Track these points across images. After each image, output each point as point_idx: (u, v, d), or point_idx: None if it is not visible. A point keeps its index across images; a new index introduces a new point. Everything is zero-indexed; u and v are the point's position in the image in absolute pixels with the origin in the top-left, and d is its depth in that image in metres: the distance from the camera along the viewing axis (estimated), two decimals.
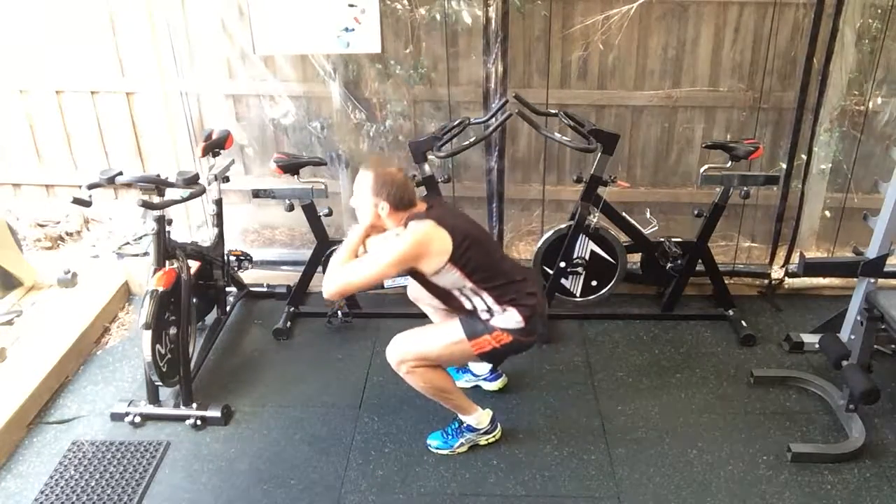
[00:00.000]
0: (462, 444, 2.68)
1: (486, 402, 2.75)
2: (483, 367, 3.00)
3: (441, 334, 2.51)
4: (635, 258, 3.54)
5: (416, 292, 2.75)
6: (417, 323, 3.44)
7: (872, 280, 2.86)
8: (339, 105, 3.69)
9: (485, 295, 2.42)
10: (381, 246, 2.42)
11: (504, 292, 2.42)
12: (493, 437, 2.72)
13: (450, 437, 2.68)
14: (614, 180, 3.31)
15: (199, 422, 2.82)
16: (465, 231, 2.38)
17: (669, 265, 3.41)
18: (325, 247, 3.44)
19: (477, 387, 3.01)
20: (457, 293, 2.45)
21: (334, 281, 2.39)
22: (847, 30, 3.34)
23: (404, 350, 2.49)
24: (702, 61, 3.65)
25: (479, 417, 2.66)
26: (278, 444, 2.75)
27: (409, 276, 2.56)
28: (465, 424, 2.67)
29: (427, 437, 2.73)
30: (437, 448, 2.69)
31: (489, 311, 2.44)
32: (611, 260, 3.45)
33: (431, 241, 2.33)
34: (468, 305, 2.46)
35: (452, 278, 2.39)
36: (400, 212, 2.40)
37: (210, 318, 3.44)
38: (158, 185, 2.77)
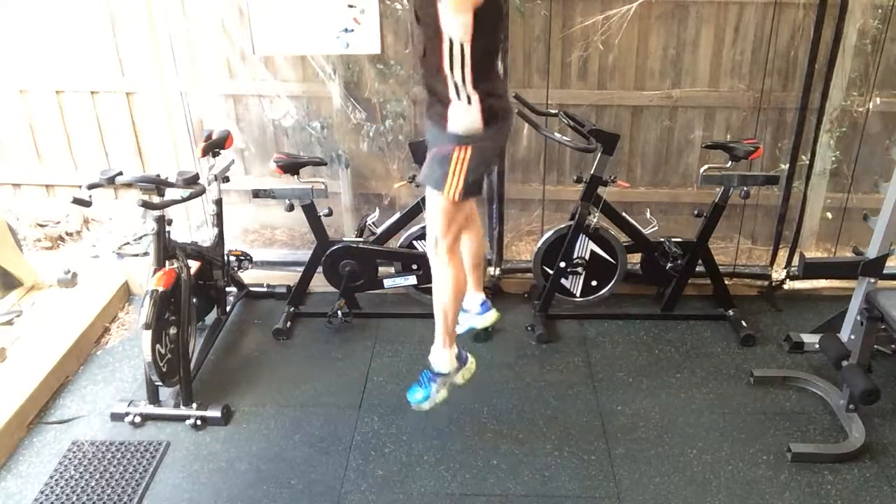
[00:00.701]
0: (437, 389, 2.65)
1: (480, 395, 2.75)
2: (473, 301, 2.93)
3: (430, 206, 2.46)
4: (635, 258, 3.54)
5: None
6: (417, 323, 3.47)
7: (872, 280, 2.86)
8: (338, 105, 3.69)
9: (468, 64, 2.21)
10: None
11: (483, 74, 2.25)
12: (469, 371, 2.70)
13: (424, 386, 2.66)
14: (614, 180, 3.31)
15: (199, 422, 2.82)
16: (499, 6, 2.23)
17: (669, 265, 3.41)
18: (325, 247, 3.44)
19: (470, 330, 2.96)
20: (446, 46, 2.19)
21: None
22: (849, 30, 3.34)
23: (430, 235, 2.47)
24: (702, 61, 3.65)
25: (451, 357, 2.62)
26: (278, 444, 2.75)
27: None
28: (434, 370, 2.64)
29: (407, 398, 2.70)
30: (419, 402, 2.65)
31: (456, 88, 2.24)
32: (611, 260, 3.46)
33: None
34: (446, 65, 2.22)
35: (462, 26, 2.15)
36: None
37: (210, 318, 3.44)
38: (158, 185, 2.77)
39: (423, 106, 2.41)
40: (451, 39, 2.18)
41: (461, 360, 2.69)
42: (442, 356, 2.63)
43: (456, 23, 2.14)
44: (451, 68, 2.23)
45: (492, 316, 2.95)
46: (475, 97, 2.25)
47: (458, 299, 2.56)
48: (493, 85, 2.30)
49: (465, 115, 2.27)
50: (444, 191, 2.34)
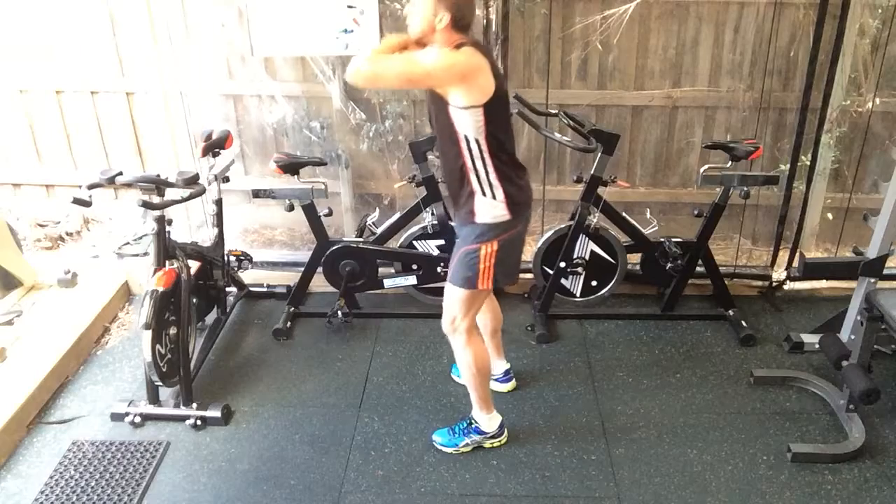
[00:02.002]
0: (467, 445, 2.68)
1: None
2: (498, 367, 2.99)
3: (449, 296, 2.49)
4: (635, 258, 3.54)
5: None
6: (417, 323, 3.47)
7: (872, 280, 2.86)
8: (338, 105, 3.69)
9: (487, 159, 2.29)
10: (429, 52, 2.22)
11: (503, 166, 2.32)
12: (499, 441, 2.72)
13: (456, 435, 2.68)
14: (614, 180, 3.31)
15: (199, 422, 2.82)
16: (503, 91, 2.27)
17: (669, 265, 3.41)
18: (325, 247, 3.44)
19: None
20: (463, 146, 2.27)
21: (366, 63, 2.16)
22: (850, 30, 3.33)
23: (447, 317, 2.51)
24: (702, 61, 3.65)
25: (491, 420, 2.67)
26: (278, 444, 2.75)
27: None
28: (473, 425, 2.67)
29: (432, 433, 2.73)
30: (442, 445, 2.69)
31: (480, 183, 2.31)
32: (611, 260, 3.46)
33: (482, 72, 2.16)
34: (468, 164, 2.30)
35: (472, 122, 2.22)
36: (455, 33, 2.20)
37: (210, 318, 3.44)
38: (158, 185, 2.77)
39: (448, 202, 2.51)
40: (467, 137, 2.26)
41: (501, 428, 2.72)
42: (483, 418, 2.67)
43: (469, 120, 2.23)
44: (473, 165, 2.31)
45: (511, 384, 3.02)
46: (499, 190, 2.33)
47: (485, 370, 2.60)
48: (514, 174, 2.37)
49: (490, 208, 2.34)
50: (476, 286, 2.41)
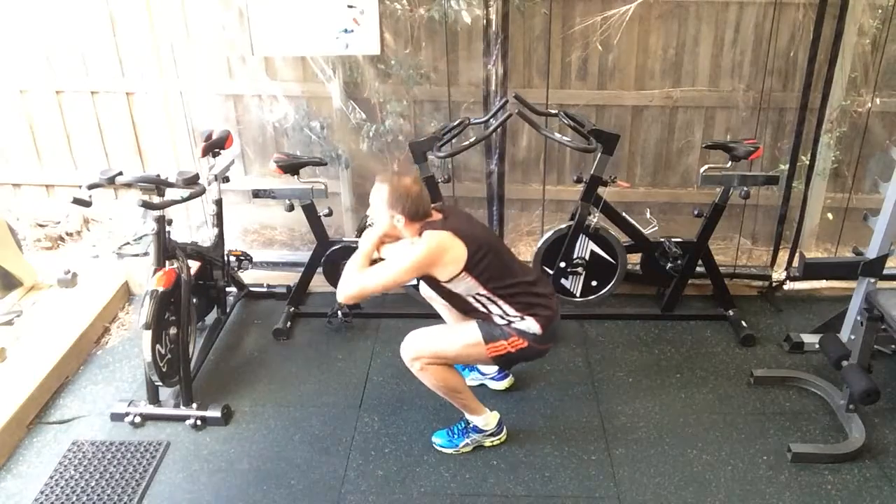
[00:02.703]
0: (467, 445, 2.68)
1: (488, 403, 2.75)
2: (491, 367, 3.00)
3: (458, 335, 2.54)
4: (635, 258, 3.54)
5: (428, 291, 2.77)
6: (417, 323, 3.44)
7: (872, 280, 2.86)
8: (338, 105, 3.69)
9: (500, 302, 2.46)
10: (396, 253, 2.47)
11: (517, 297, 2.46)
12: (499, 439, 2.72)
13: (455, 436, 2.69)
14: (614, 180, 3.31)
15: (199, 422, 2.82)
16: (481, 240, 2.42)
17: (669, 265, 3.41)
18: (325, 247, 3.44)
19: (482, 385, 3.01)
20: (471, 299, 2.48)
21: (350, 285, 2.44)
22: (849, 30, 3.34)
23: (420, 347, 2.51)
24: (702, 61, 3.65)
25: (487, 419, 2.67)
26: (278, 444, 2.75)
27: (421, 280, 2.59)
28: (471, 425, 2.67)
29: (431, 434, 2.73)
30: (442, 446, 2.69)
31: (505, 316, 2.47)
32: (611, 260, 3.45)
33: (446, 250, 2.37)
34: (483, 310, 2.50)
35: (467, 285, 2.43)
36: (415, 223, 2.43)
37: (210, 318, 3.44)
38: (158, 185, 2.77)
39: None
40: (471, 294, 2.46)
41: (500, 426, 2.73)
42: (478, 420, 2.68)
43: (462, 285, 2.44)
44: (490, 312, 2.46)
45: (508, 382, 3.04)
46: (527, 316, 2.47)
47: (454, 384, 2.60)
48: (534, 294, 2.49)
49: (525, 327, 2.48)
50: (487, 346, 2.48)
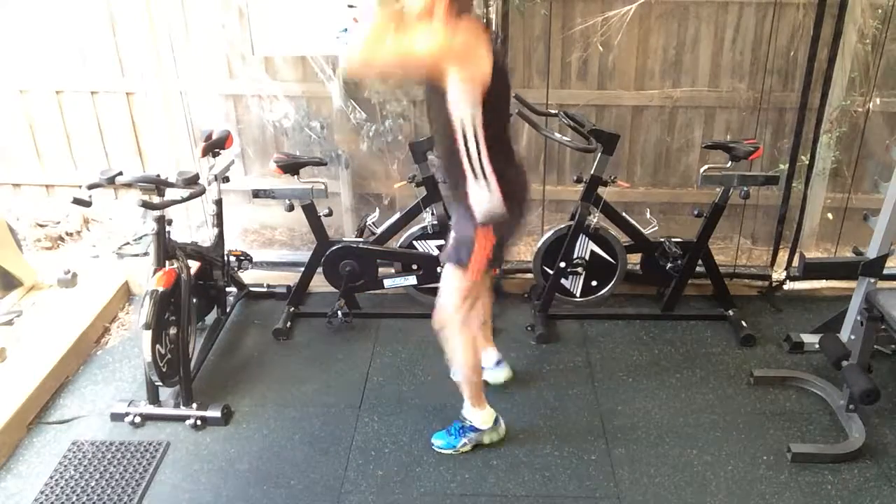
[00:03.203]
0: (465, 444, 2.68)
1: (487, 386, 2.75)
2: (488, 358, 2.99)
3: (446, 282, 2.47)
4: (635, 258, 3.54)
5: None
6: (417, 323, 3.47)
7: (872, 280, 2.86)
8: (338, 105, 3.69)
9: (482, 148, 2.21)
10: (426, 30, 2.14)
11: (498, 156, 2.26)
12: (498, 435, 2.72)
13: (453, 436, 2.68)
14: (614, 180, 3.31)
15: (199, 422, 2.82)
16: (502, 79, 2.23)
17: (669, 265, 3.41)
18: (325, 247, 3.44)
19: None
20: (459, 132, 2.20)
21: (362, 47, 2.11)
22: (849, 30, 3.34)
23: (440, 310, 2.48)
24: (702, 61, 3.65)
25: (485, 416, 2.66)
26: (278, 444, 2.75)
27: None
28: (468, 423, 2.67)
29: (430, 436, 2.73)
30: (441, 448, 2.69)
31: (475, 172, 2.24)
32: (611, 260, 3.46)
33: (480, 51, 2.11)
34: (461, 150, 2.23)
35: (470, 108, 2.16)
36: (454, 17, 2.13)
37: (210, 318, 3.44)
38: (158, 185, 2.77)
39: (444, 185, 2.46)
40: (464, 124, 2.19)
41: (497, 423, 2.71)
42: (475, 414, 2.66)
43: (465, 106, 2.16)
44: (468, 154, 2.24)
45: (504, 373, 3.01)
46: (493, 180, 2.26)
47: (477, 363, 2.60)
48: (509, 162, 2.34)
49: (486, 200, 2.27)
50: (467, 271, 2.37)
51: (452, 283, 2.45)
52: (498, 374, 3.01)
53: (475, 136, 2.21)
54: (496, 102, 2.21)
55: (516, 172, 2.38)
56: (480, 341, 2.92)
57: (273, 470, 2.63)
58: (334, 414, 2.90)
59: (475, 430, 2.67)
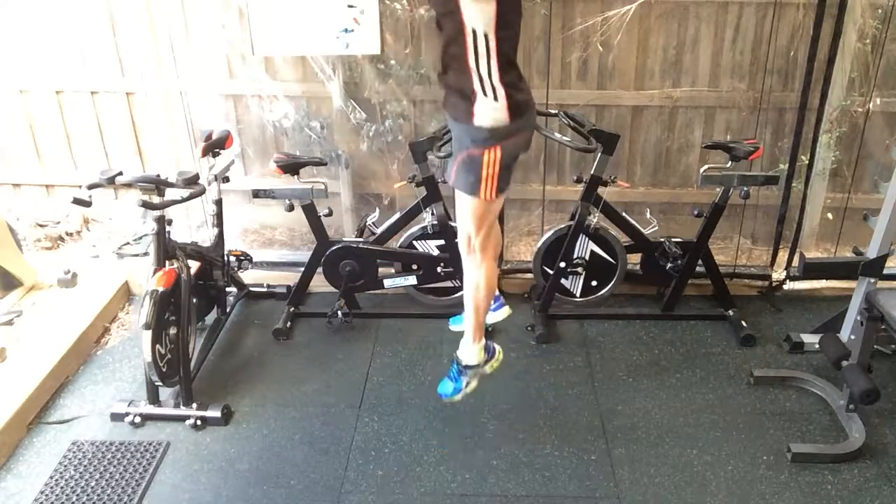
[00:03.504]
0: (469, 383, 2.67)
1: (480, 395, 2.75)
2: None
3: (460, 208, 2.45)
4: (635, 258, 3.54)
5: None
6: (417, 323, 3.48)
7: (872, 280, 2.86)
8: (338, 105, 3.69)
9: (493, 57, 2.17)
10: None
11: (507, 66, 2.22)
12: (497, 361, 2.73)
13: (455, 380, 2.67)
14: (614, 180, 3.31)
15: (199, 422, 2.82)
16: None
17: (669, 265, 3.41)
18: (325, 247, 3.44)
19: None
20: (470, 38, 2.15)
21: None
22: (848, 30, 3.34)
23: (462, 235, 2.48)
24: (702, 61, 3.65)
25: (478, 350, 2.64)
26: (278, 444, 2.75)
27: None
28: (462, 363, 2.65)
29: (437, 389, 2.72)
30: (451, 395, 2.67)
31: (482, 82, 2.20)
32: (611, 260, 3.46)
33: None
34: (471, 58, 2.18)
35: (485, 14, 2.12)
36: None
37: (210, 318, 3.44)
38: (158, 185, 2.77)
39: (443, 103, 2.35)
40: (475, 31, 2.15)
41: (489, 352, 2.71)
42: (472, 350, 2.64)
43: (480, 12, 2.12)
44: (477, 61, 2.19)
45: (504, 312, 2.99)
46: (501, 91, 2.21)
47: (491, 295, 2.59)
48: (516, 76, 2.27)
49: (491, 110, 2.22)
50: (479, 194, 2.34)
51: (466, 208, 2.41)
52: (497, 314, 2.98)
53: (486, 47, 2.17)
54: (508, 17, 2.17)
55: (521, 82, 2.31)
56: None
57: (273, 470, 2.63)
58: (334, 414, 2.90)
59: (472, 367, 2.66)
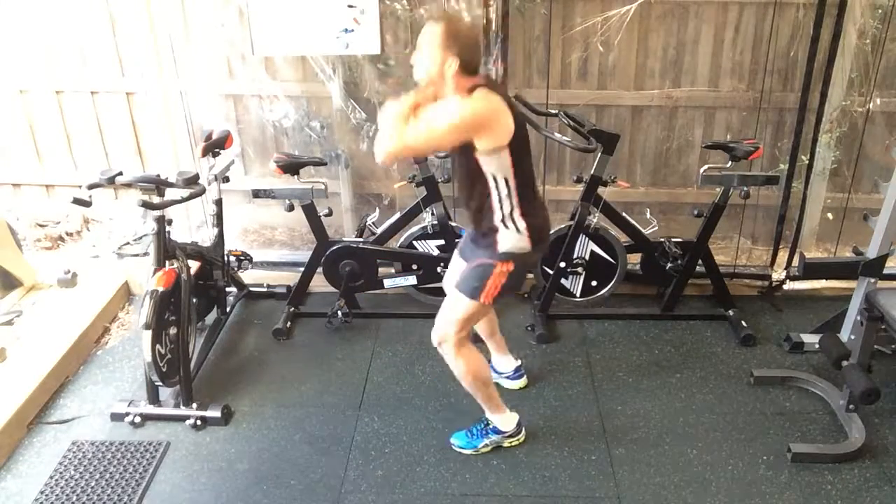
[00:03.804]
0: (486, 445, 2.67)
1: None
2: (506, 365, 2.99)
3: (450, 306, 2.48)
4: (635, 258, 3.54)
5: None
6: (417, 323, 3.47)
7: (872, 280, 2.86)
8: (338, 105, 3.69)
9: (514, 196, 2.30)
10: (445, 107, 2.20)
11: (527, 200, 2.34)
12: (518, 440, 2.71)
13: (475, 437, 2.68)
14: (614, 180, 3.31)
15: (199, 422, 2.82)
16: (522, 123, 2.29)
17: (669, 265, 3.41)
18: (325, 247, 3.44)
19: (496, 385, 2.99)
20: (492, 183, 2.28)
21: (391, 141, 2.17)
22: (849, 30, 3.34)
23: (440, 329, 2.48)
24: (702, 61, 3.65)
25: (507, 419, 2.67)
26: (278, 444, 2.75)
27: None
28: (491, 426, 2.66)
29: (449, 437, 2.72)
30: (461, 448, 2.68)
31: (504, 220, 2.32)
32: (611, 260, 3.46)
33: (501, 114, 2.18)
34: (494, 201, 2.31)
35: (501, 164, 2.24)
36: (465, 77, 2.19)
37: (210, 318, 3.44)
38: (158, 185, 2.77)
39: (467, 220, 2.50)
40: (496, 177, 2.27)
41: (518, 426, 2.71)
42: (497, 419, 2.66)
43: (496, 163, 2.25)
44: (500, 203, 2.32)
45: (522, 381, 3.03)
46: (522, 224, 2.33)
47: (483, 376, 2.58)
48: (535, 207, 2.38)
49: (515, 240, 2.35)
50: (479, 298, 2.39)
51: (457, 308, 2.45)
52: (514, 383, 3.01)
53: (507, 188, 2.30)
54: (520, 148, 2.28)
55: (540, 210, 2.44)
56: (495, 351, 2.96)
57: (273, 470, 2.63)
58: (334, 414, 2.91)
59: (498, 432, 2.67)
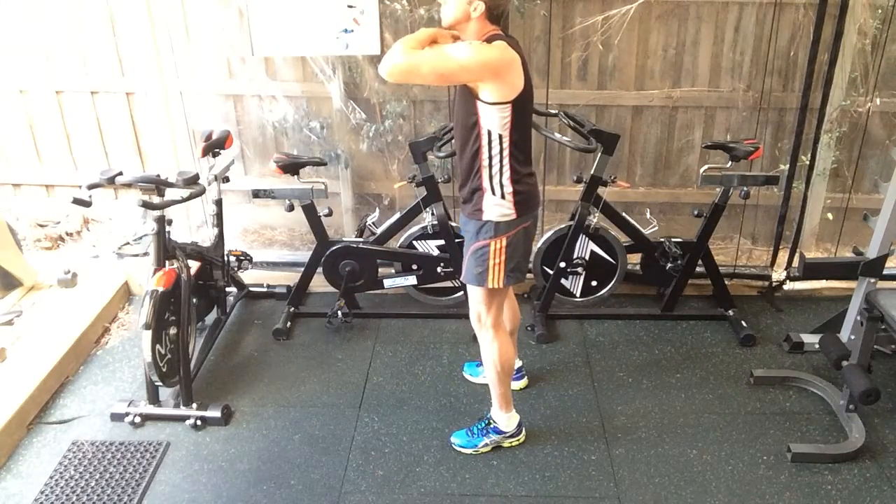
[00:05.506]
0: (486, 445, 2.68)
1: (480, 395, 2.75)
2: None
3: (470, 297, 2.53)
4: (635, 258, 3.54)
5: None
6: (417, 323, 3.48)
7: (872, 280, 2.86)
8: (338, 105, 3.69)
9: (505, 157, 2.29)
10: (463, 45, 2.20)
11: (517, 165, 2.32)
12: (518, 440, 2.72)
13: (475, 436, 2.69)
14: (614, 180, 3.31)
15: (199, 422, 2.82)
16: (531, 87, 2.28)
17: (669, 265, 3.41)
18: (325, 247, 3.44)
19: None
20: (485, 139, 2.26)
21: (400, 57, 2.11)
22: (849, 30, 3.34)
23: (472, 315, 2.56)
24: (702, 61, 3.65)
25: (510, 419, 2.68)
26: (278, 444, 2.75)
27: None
28: (492, 425, 2.67)
29: (450, 436, 2.73)
30: (461, 447, 2.69)
31: (491, 181, 2.31)
32: (611, 260, 3.46)
33: (514, 70, 2.17)
34: (485, 157, 2.29)
35: (500, 119, 2.22)
36: (488, 24, 2.21)
37: (210, 318, 3.44)
38: (158, 185, 2.77)
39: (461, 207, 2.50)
40: (490, 132, 2.26)
41: (519, 427, 2.72)
42: (502, 417, 2.67)
43: (496, 117, 2.23)
44: (490, 161, 2.31)
45: (522, 382, 3.04)
46: (509, 189, 2.33)
47: (509, 368, 2.61)
48: (524, 175, 2.37)
49: (497, 206, 2.34)
50: (486, 283, 2.42)
51: (475, 297, 2.51)
52: (515, 384, 3.01)
53: (500, 146, 2.28)
54: (523, 110, 2.26)
55: (529, 178, 2.41)
56: None
57: (273, 470, 2.63)
58: (334, 414, 2.91)
59: (499, 432, 2.68)
